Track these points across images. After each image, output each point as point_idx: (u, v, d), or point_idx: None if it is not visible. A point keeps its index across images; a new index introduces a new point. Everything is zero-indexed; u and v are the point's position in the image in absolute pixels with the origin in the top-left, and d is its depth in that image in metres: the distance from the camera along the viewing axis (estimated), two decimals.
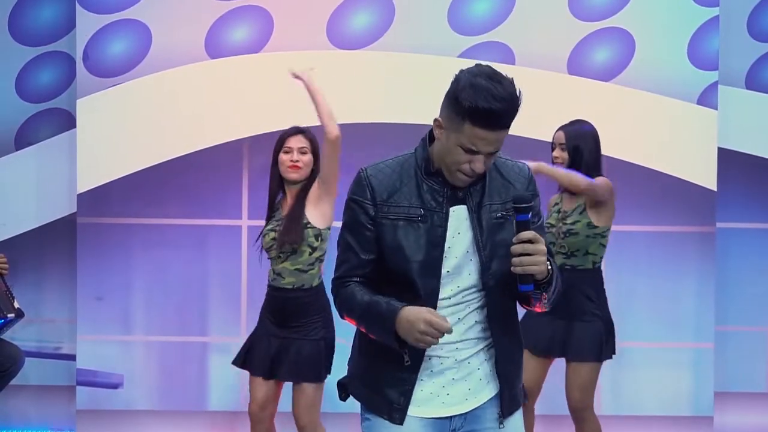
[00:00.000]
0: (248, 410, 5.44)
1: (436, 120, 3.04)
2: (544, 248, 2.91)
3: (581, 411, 5.51)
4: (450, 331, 2.90)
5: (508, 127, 2.95)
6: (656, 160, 6.46)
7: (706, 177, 6.45)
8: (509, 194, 3.07)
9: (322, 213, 5.27)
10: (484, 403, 3.13)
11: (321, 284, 5.31)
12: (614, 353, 5.60)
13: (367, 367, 3.20)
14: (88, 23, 6.38)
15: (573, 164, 5.47)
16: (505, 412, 3.15)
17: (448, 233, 3.03)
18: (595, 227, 5.44)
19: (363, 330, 3.14)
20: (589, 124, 5.59)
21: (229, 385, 6.53)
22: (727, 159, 6.70)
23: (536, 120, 6.30)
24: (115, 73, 6.40)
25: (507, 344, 3.14)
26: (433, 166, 3.07)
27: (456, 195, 3.05)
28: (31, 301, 6.62)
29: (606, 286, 6.39)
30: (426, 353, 3.05)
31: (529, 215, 2.94)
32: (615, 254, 6.50)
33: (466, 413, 3.13)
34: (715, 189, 6.47)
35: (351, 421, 3.52)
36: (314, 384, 5.27)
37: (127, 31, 6.40)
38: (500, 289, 3.06)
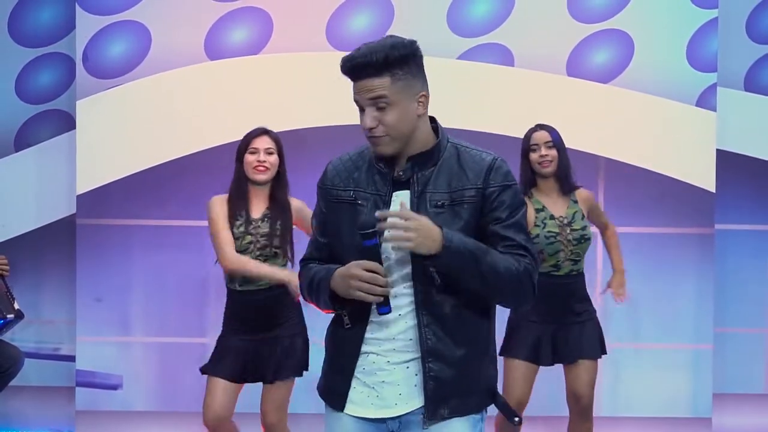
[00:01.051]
0: (206, 418, 5.34)
1: None
2: (415, 224, 2.84)
3: (590, 408, 5.49)
4: (384, 274, 2.89)
5: (375, 73, 2.96)
6: (655, 161, 6.46)
7: (705, 179, 6.45)
8: (459, 183, 3.00)
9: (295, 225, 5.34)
10: (416, 409, 3.02)
11: None
12: (604, 352, 5.65)
13: (326, 356, 3.20)
14: (87, 24, 6.38)
15: (560, 161, 5.45)
16: (430, 417, 3.01)
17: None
18: (587, 228, 5.48)
19: (313, 303, 3.18)
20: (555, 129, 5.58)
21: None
22: (726, 161, 6.70)
23: (535, 122, 6.32)
24: (114, 74, 6.40)
25: (447, 347, 3.00)
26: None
27: (401, 180, 3.03)
28: (31, 302, 6.62)
29: (601, 290, 6.44)
30: (362, 349, 3.02)
31: (376, 240, 2.89)
32: None
33: (399, 416, 3.05)
34: (714, 191, 6.47)
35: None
36: (287, 382, 5.25)
37: (126, 32, 6.40)
38: (436, 283, 2.96)
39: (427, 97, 3.04)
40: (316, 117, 6.35)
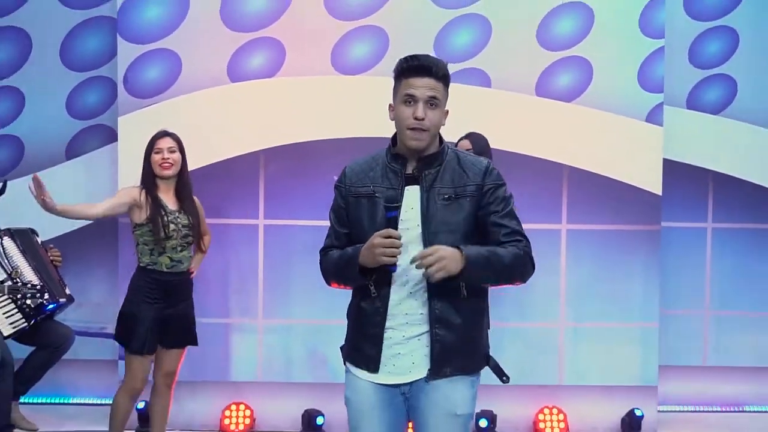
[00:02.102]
0: (130, 389, 5.32)
1: (389, 105, 3.25)
2: (437, 257, 2.96)
3: None
4: (398, 237, 3.02)
5: (437, 78, 3.13)
6: (610, 169, 6.45)
7: (653, 183, 6.44)
8: (461, 181, 3.18)
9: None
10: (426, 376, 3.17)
11: None
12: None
13: (351, 328, 3.31)
14: (127, 52, 6.36)
15: None
16: (433, 376, 3.15)
17: (403, 209, 3.14)
18: None
19: (340, 283, 3.29)
20: (484, 137, 5.51)
21: (246, 359, 6.51)
22: (671, 168, 6.74)
23: (509, 135, 6.33)
24: (150, 94, 6.38)
25: (451, 319, 3.15)
26: (393, 150, 3.23)
27: (412, 176, 3.18)
28: (80, 288, 6.63)
29: (565, 278, 6.41)
30: (386, 325, 3.15)
31: (396, 212, 3.07)
32: (574, 250, 6.51)
33: (409, 383, 3.18)
34: (660, 194, 6.47)
35: None
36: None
37: (160, 58, 6.36)
38: (462, 296, 3.15)
39: (447, 113, 3.24)
40: (322, 131, 6.33)
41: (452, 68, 6.27)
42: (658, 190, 6.45)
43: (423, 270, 2.99)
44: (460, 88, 6.35)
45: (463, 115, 6.19)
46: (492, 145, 5.57)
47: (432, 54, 6.24)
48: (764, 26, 7.07)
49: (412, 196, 3.16)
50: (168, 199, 5.23)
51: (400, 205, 3.09)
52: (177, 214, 5.18)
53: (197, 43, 6.37)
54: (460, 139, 5.45)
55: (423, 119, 3.10)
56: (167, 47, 6.37)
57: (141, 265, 5.22)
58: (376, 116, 6.14)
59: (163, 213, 5.13)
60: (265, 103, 6.40)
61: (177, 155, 5.23)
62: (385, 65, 6.36)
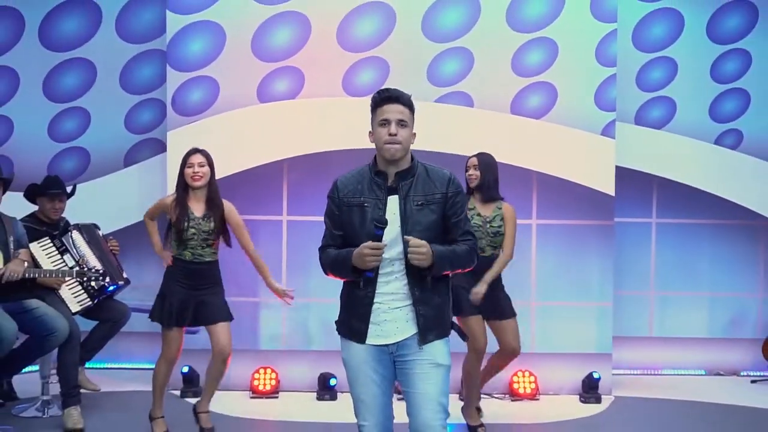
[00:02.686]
0: (166, 357, 5.24)
1: (369, 132, 3.42)
2: (424, 251, 3.20)
3: (517, 352, 5.48)
4: (382, 246, 3.21)
5: (404, 104, 3.33)
6: (572, 174, 6.46)
7: (607, 186, 6.44)
8: (430, 190, 3.36)
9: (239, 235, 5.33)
10: (408, 337, 3.34)
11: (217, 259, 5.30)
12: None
13: (342, 309, 3.48)
14: (175, 78, 6.37)
15: (483, 180, 5.37)
16: (422, 341, 3.33)
17: (386, 214, 3.31)
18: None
19: (336, 276, 3.42)
20: (492, 156, 5.46)
21: (272, 331, 6.53)
22: (622, 173, 6.74)
23: (488, 147, 6.31)
24: (194, 113, 6.39)
25: (426, 297, 3.33)
26: (376, 168, 3.39)
27: (392, 188, 3.35)
28: (136, 272, 6.62)
29: (535, 264, 6.42)
30: (374, 302, 3.33)
31: (382, 231, 3.20)
32: (542, 241, 6.52)
33: (396, 343, 3.35)
34: (614, 194, 6.47)
35: None
36: (228, 322, 5.30)
37: (202, 83, 6.38)
38: (428, 283, 3.32)
39: (415, 135, 3.42)
40: (334, 143, 6.34)
41: (441, 91, 6.44)
42: (611, 191, 6.46)
43: (408, 251, 3.22)
44: (448, 108, 6.43)
45: (450, 129, 6.34)
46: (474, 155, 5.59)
47: (424, 79, 6.35)
48: (699, 56, 7.12)
49: (393, 203, 3.33)
50: (197, 206, 5.14)
51: (385, 226, 3.23)
52: (200, 220, 5.09)
53: (232, 71, 6.39)
54: (471, 157, 5.46)
55: (396, 134, 3.30)
56: (207, 74, 6.40)
57: (173, 254, 5.22)
58: None
59: (186, 219, 5.08)
60: (287, 120, 6.41)
61: (206, 169, 5.15)
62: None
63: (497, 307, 5.42)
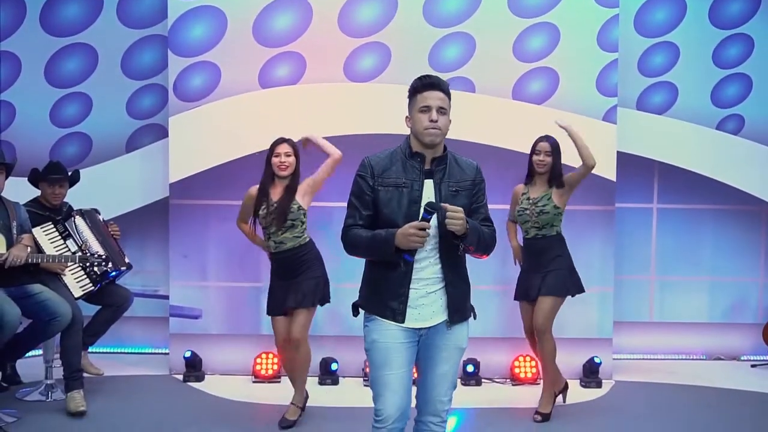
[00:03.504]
0: (277, 342, 5.39)
1: (406, 117, 3.48)
2: (461, 216, 3.23)
3: (542, 333, 5.47)
4: (429, 227, 3.23)
5: (443, 92, 3.39)
6: (574, 159, 6.42)
7: (608, 171, 6.44)
8: (462, 177, 3.44)
9: (307, 201, 5.30)
10: (441, 321, 3.43)
11: (311, 240, 5.34)
12: (581, 291, 5.60)
13: (374, 290, 3.45)
14: (176, 64, 6.38)
15: (554, 168, 5.48)
16: (451, 322, 3.42)
17: (423, 196, 3.35)
18: (557, 208, 5.47)
19: (367, 256, 3.44)
20: (556, 140, 5.53)
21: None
22: (623, 159, 6.73)
23: (491, 132, 6.34)
24: (195, 98, 6.40)
25: (455, 280, 3.43)
26: (411, 150, 3.42)
27: (428, 172, 3.40)
28: (138, 258, 6.66)
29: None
30: (410, 286, 3.36)
31: (430, 217, 3.23)
32: None
33: (428, 327, 3.42)
34: (615, 180, 6.47)
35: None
36: (308, 309, 5.28)
37: (203, 69, 6.39)
38: (460, 252, 3.36)
39: (450, 122, 3.46)
40: (336, 128, 6.33)
41: (444, 76, 6.35)
42: (612, 177, 6.47)
43: (445, 219, 3.24)
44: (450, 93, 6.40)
45: (452, 115, 6.28)
46: (476, 141, 5.63)
47: (426, 65, 6.34)
48: (701, 41, 7.09)
49: (428, 187, 3.38)
50: (277, 193, 5.24)
51: (436, 211, 3.26)
52: (274, 204, 5.19)
53: (233, 57, 6.39)
54: (540, 142, 5.53)
55: (437, 121, 3.34)
56: (209, 60, 6.40)
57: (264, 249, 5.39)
58: (381, 116, 6.26)
59: (265, 206, 5.19)
60: (289, 105, 6.42)
61: (292, 159, 5.25)
62: (388, 75, 6.40)
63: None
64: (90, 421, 5.26)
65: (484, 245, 3.40)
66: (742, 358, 7.24)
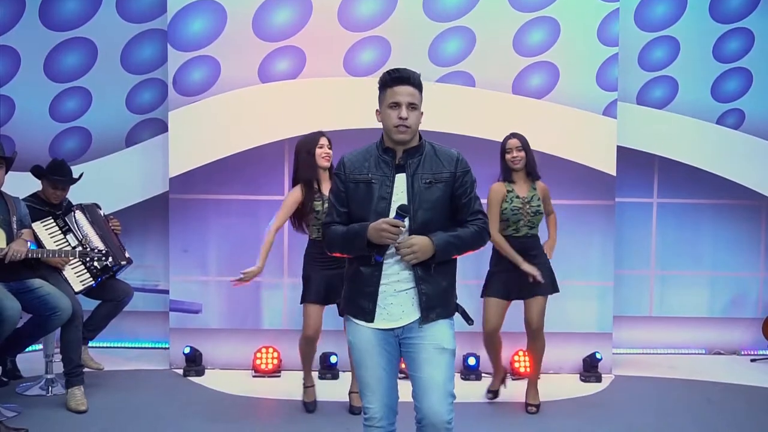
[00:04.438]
0: (308, 332, 5.26)
1: (376, 111, 3.39)
2: (413, 248, 3.18)
3: (539, 331, 5.46)
4: (403, 226, 3.18)
5: (414, 86, 3.28)
6: (573, 154, 6.46)
7: (608, 166, 6.45)
8: (438, 168, 3.32)
9: None
10: (414, 320, 3.30)
11: None
12: (558, 290, 5.58)
13: (348, 289, 3.40)
14: (176, 58, 6.37)
15: (528, 162, 5.45)
16: (424, 321, 3.27)
17: (394, 191, 3.28)
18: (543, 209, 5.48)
19: (344, 252, 3.36)
20: (523, 135, 5.52)
21: (275, 311, 6.57)
22: (623, 153, 6.75)
23: (490, 126, 6.34)
24: (195, 93, 6.39)
25: (430, 277, 3.28)
26: (384, 145, 3.35)
27: (400, 166, 3.31)
28: (138, 252, 6.67)
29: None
30: (380, 285, 3.28)
31: (405, 219, 3.17)
32: (545, 221, 6.52)
33: (402, 326, 3.31)
34: (615, 174, 6.47)
35: None
36: None
37: (203, 63, 6.38)
38: (432, 271, 3.28)
39: (422, 114, 3.35)
40: (335, 123, 6.33)
41: (442, 71, 6.43)
42: (612, 171, 6.47)
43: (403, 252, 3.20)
44: (450, 88, 6.42)
45: (451, 109, 6.33)
46: (475, 135, 5.62)
47: (426, 59, 6.33)
48: (701, 35, 7.09)
49: (400, 181, 3.28)
50: (324, 186, 5.26)
51: (408, 214, 3.20)
52: (326, 197, 5.19)
53: (233, 51, 6.39)
54: (509, 139, 5.49)
55: (406, 119, 3.24)
56: (208, 54, 6.39)
57: (311, 238, 5.28)
58: None
59: (321, 198, 5.20)
60: (288, 100, 6.41)
61: (332, 150, 5.32)
62: (388, 69, 6.38)
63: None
64: (90, 415, 5.27)
65: (467, 249, 3.31)
66: (741, 353, 7.25)
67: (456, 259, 3.37)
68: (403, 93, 3.27)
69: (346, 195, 3.35)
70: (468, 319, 3.46)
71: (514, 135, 5.49)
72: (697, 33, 7.07)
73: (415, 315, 3.29)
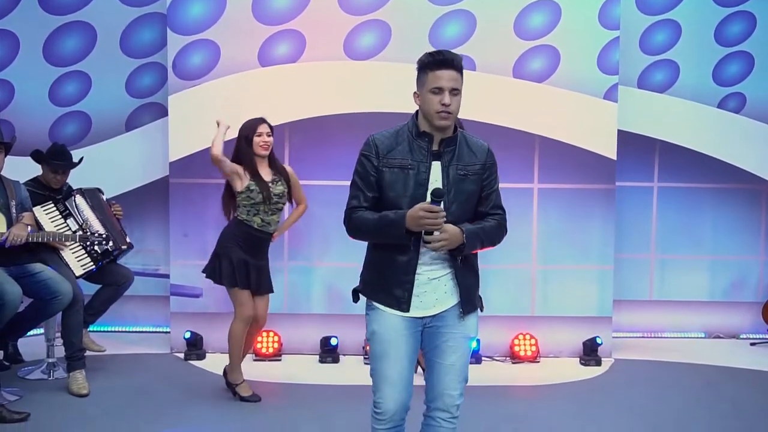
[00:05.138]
0: (241, 317, 5.28)
1: (414, 93, 3.24)
2: (445, 241, 3.06)
3: None
4: (442, 211, 3.03)
5: (456, 70, 3.13)
6: (574, 138, 6.45)
7: (609, 150, 6.43)
8: (471, 160, 3.22)
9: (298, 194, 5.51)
10: (447, 308, 3.24)
11: None
12: None
13: (377, 276, 3.27)
14: (175, 42, 6.35)
15: None
16: (464, 312, 3.25)
17: (430, 179, 3.15)
18: None
19: (374, 239, 3.25)
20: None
21: (275, 294, 6.54)
22: (624, 137, 6.72)
23: (491, 110, 6.33)
24: (195, 77, 6.38)
25: (463, 268, 3.23)
26: (419, 130, 3.20)
27: (436, 153, 3.18)
28: (138, 237, 6.68)
29: (536, 228, 6.42)
30: (416, 273, 3.18)
31: (439, 204, 3.04)
32: (544, 205, 6.53)
33: (433, 315, 3.24)
34: (615, 158, 6.46)
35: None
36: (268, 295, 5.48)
37: (202, 47, 6.36)
38: (459, 262, 3.21)
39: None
40: (336, 107, 6.34)
41: None
42: (613, 155, 6.45)
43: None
44: None
45: None
46: (477, 119, 5.62)
47: (426, 42, 6.32)
48: (703, 18, 7.06)
49: (435, 169, 3.16)
50: (265, 172, 5.30)
51: (443, 198, 3.08)
52: (270, 185, 5.24)
53: (233, 35, 6.36)
54: None
55: (449, 105, 3.10)
56: (208, 38, 6.37)
57: (239, 218, 5.26)
58: (381, 94, 6.24)
59: (260, 185, 5.20)
60: (289, 84, 6.40)
61: (271, 138, 5.33)
62: (388, 53, 6.37)
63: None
64: (92, 399, 5.29)
65: (489, 242, 3.23)
66: (741, 337, 7.27)
67: (476, 254, 3.31)
68: (446, 77, 3.11)
69: (378, 179, 3.18)
70: (481, 307, 3.43)
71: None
72: (698, 16, 7.04)
73: (449, 302, 3.23)
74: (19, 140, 5.65)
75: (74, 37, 6.79)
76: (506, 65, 6.43)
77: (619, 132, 6.54)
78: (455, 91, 3.13)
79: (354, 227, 3.23)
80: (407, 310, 3.19)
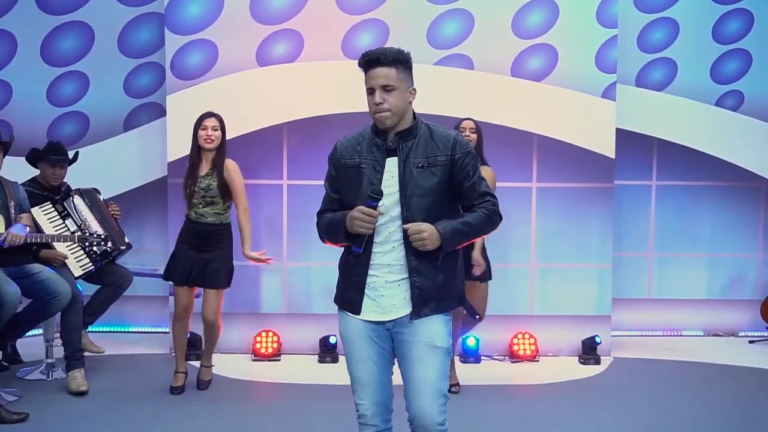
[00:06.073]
0: (176, 315, 5.48)
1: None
2: (425, 233, 2.97)
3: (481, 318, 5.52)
4: (379, 213, 3.00)
5: (387, 65, 3.03)
6: (572, 136, 6.45)
7: (607, 148, 6.44)
8: (432, 152, 3.09)
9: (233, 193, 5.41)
10: (405, 315, 3.10)
11: (230, 224, 5.46)
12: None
13: (340, 279, 3.27)
14: (173, 42, 6.35)
15: (479, 143, 5.42)
16: (416, 316, 3.08)
17: (384, 176, 3.08)
18: None
19: (331, 242, 3.21)
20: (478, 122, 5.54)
21: (274, 295, 6.58)
22: (622, 136, 6.74)
23: (489, 109, 6.33)
24: (193, 77, 6.38)
25: (425, 269, 3.08)
26: (377, 128, 3.14)
27: (391, 149, 3.11)
28: (137, 237, 6.67)
29: (535, 227, 6.43)
30: (369, 273, 3.11)
31: (376, 204, 2.99)
32: (542, 203, 6.53)
33: (395, 320, 3.12)
34: (614, 157, 6.47)
35: None
36: (218, 291, 5.44)
37: (200, 47, 6.36)
38: (438, 262, 3.09)
39: (415, 91, 3.13)
40: (334, 107, 6.34)
41: (441, 54, 6.43)
42: (611, 153, 6.46)
43: (407, 233, 3.02)
44: (448, 71, 6.42)
45: (450, 92, 6.32)
46: (475, 118, 5.59)
47: (424, 42, 6.31)
48: (701, 16, 7.06)
49: (391, 165, 3.08)
50: (205, 165, 5.35)
51: (380, 197, 3.01)
52: (200, 178, 5.31)
53: (231, 34, 6.36)
54: (465, 120, 5.49)
55: (381, 103, 3.03)
56: (206, 38, 6.37)
57: (188, 217, 5.42)
58: None
59: (191, 178, 5.31)
60: (287, 83, 6.40)
61: (218, 133, 5.35)
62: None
63: None
64: (91, 399, 5.29)
65: (477, 234, 3.14)
66: (740, 334, 7.28)
67: (459, 250, 3.17)
68: (374, 76, 3.04)
69: (337, 180, 3.20)
70: (474, 314, 3.35)
71: (469, 118, 5.52)
72: (696, 14, 7.05)
73: (407, 309, 3.09)
74: (17, 140, 5.64)
75: (72, 37, 6.78)
76: (504, 64, 6.43)
77: (618, 130, 6.55)
78: (388, 87, 3.03)
79: (320, 232, 3.25)
80: (358, 313, 3.13)
